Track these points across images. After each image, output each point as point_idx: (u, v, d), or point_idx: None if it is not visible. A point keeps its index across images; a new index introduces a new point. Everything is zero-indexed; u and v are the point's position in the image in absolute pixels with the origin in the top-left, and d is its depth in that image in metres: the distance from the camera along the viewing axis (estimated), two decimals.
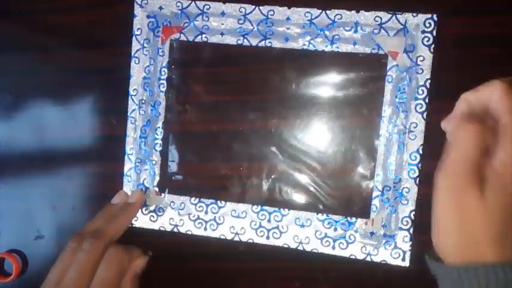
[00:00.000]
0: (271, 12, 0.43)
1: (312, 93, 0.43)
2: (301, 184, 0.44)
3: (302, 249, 0.43)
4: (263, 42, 0.43)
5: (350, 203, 0.43)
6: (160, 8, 0.45)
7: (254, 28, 0.43)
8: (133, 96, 0.46)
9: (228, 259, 0.46)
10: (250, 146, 0.44)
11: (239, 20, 0.43)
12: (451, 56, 0.40)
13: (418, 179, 0.41)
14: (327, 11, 0.42)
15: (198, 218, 0.45)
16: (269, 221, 0.44)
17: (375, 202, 0.42)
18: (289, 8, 0.42)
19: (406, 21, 0.40)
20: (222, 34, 0.44)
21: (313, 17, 0.42)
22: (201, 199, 0.45)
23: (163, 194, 0.46)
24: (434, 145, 0.41)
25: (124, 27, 0.45)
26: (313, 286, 0.45)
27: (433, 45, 0.40)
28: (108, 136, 0.47)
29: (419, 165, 0.41)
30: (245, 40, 0.44)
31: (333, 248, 0.43)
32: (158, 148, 0.46)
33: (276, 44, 0.43)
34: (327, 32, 0.42)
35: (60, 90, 0.47)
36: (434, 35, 0.40)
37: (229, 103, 0.45)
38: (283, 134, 0.44)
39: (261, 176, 0.44)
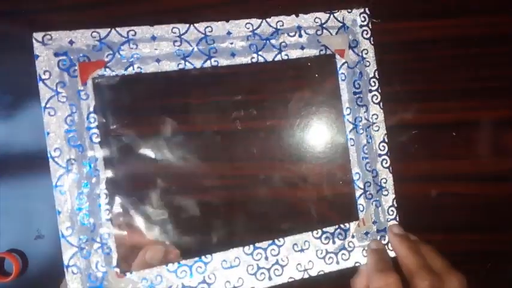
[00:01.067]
0: (209, 29, 0.38)
1: (272, 107, 0.40)
2: (286, 207, 0.39)
3: (308, 276, 0.39)
4: (208, 61, 0.38)
5: (339, 209, 0.41)
6: (71, 42, 0.35)
7: (194, 48, 0.38)
8: (56, 159, 0.34)
9: None
10: (223, 185, 0.38)
11: (175, 41, 0.37)
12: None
13: (390, 168, 0.42)
14: (267, 19, 0.39)
15: (184, 286, 0.36)
16: (266, 258, 0.38)
17: (361, 201, 0.41)
18: (227, 21, 0.39)
19: (343, 18, 0.41)
20: (158, 61, 0.37)
21: (254, 28, 0.39)
22: (181, 262, 0.36)
23: (127, 274, 0.35)
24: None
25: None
26: (313, 286, 0.41)
27: (372, 37, 0.42)
28: None
29: (389, 153, 0.42)
30: (187, 63, 0.38)
31: (337, 262, 0.40)
32: (108, 216, 0.35)
33: (223, 61, 0.38)
34: (273, 41, 0.40)
35: None
36: (371, 27, 0.42)
37: (182, 136, 0.38)
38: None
39: (241, 213, 0.38)
